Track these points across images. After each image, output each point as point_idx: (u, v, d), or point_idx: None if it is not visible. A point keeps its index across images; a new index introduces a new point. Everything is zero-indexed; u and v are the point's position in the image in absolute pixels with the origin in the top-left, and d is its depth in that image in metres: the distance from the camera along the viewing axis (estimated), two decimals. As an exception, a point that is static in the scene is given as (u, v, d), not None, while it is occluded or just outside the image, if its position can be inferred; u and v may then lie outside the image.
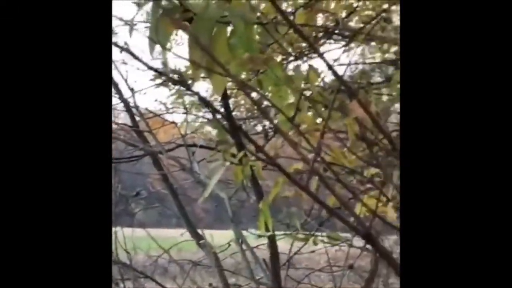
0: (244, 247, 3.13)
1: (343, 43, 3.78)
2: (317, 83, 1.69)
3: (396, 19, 3.55)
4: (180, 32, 1.66)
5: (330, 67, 1.03)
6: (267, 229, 1.55)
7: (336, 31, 3.80)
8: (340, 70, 3.59)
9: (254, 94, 4.22)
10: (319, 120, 1.62)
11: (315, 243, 1.75)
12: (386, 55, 3.37)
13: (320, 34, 3.78)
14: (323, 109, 1.63)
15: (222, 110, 2.37)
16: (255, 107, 3.59)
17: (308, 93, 1.66)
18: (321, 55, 1.11)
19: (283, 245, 3.43)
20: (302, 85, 1.62)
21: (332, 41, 3.91)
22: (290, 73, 1.66)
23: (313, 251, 3.72)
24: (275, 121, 3.01)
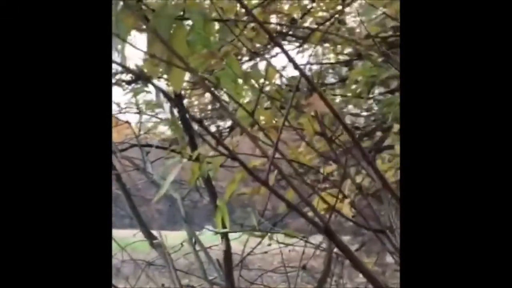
0: (197, 247, 3.12)
1: (297, 44, 3.80)
2: (274, 81, 1.69)
3: (349, 21, 3.58)
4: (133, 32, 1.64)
5: (290, 60, 1.03)
6: (224, 226, 1.54)
7: (290, 32, 3.82)
8: (295, 71, 3.60)
9: (207, 95, 4.20)
10: (277, 117, 1.62)
11: (270, 239, 1.74)
12: (340, 57, 3.40)
13: (275, 35, 3.79)
14: (281, 107, 1.63)
15: (177, 109, 2.36)
16: (209, 107, 3.58)
17: (265, 92, 1.66)
18: (282, 48, 1.11)
19: (236, 245, 3.42)
20: (260, 83, 1.62)
21: (285, 42, 3.92)
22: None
23: (266, 252, 3.71)
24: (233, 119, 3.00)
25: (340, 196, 1.37)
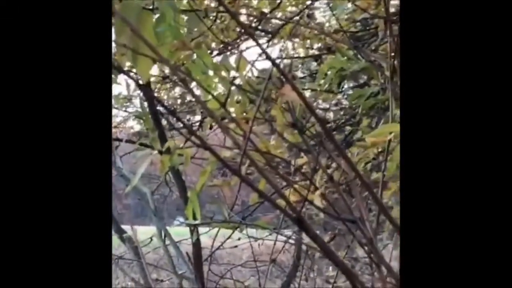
0: (167, 242, 3.11)
1: (266, 39, 3.80)
2: (245, 74, 1.69)
3: (318, 15, 3.59)
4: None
5: (263, 50, 1.03)
6: (195, 219, 1.53)
7: (259, 27, 3.82)
8: (264, 65, 3.60)
9: (176, 89, 4.18)
10: (247, 110, 1.62)
11: (241, 231, 1.74)
12: (310, 51, 3.41)
13: (243, 30, 3.79)
14: (250, 101, 1.63)
15: (147, 102, 2.34)
16: (178, 101, 3.57)
17: (235, 84, 1.66)
18: (254, 39, 1.10)
19: (206, 240, 3.42)
20: (230, 75, 1.62)
21: (255, 37, 3.91)
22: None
23: (236, 246, 3.72)
24: (202, 113, 2.99)
25: (312, 188, 1.37)
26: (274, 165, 1.39)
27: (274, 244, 2.32)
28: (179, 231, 3.65)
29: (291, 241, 3.52)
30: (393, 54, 1.42)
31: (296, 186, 1.50)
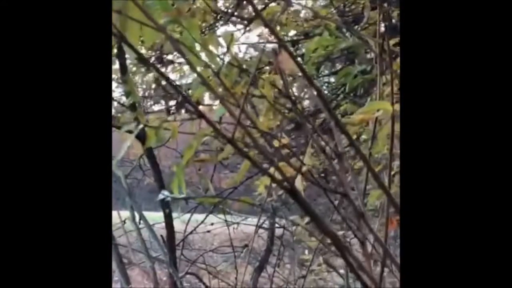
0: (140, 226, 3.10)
1: (241, 26, 3.80)
2: (232, 49, 1.69)
3: (295, 2, 3.59)
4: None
5: (257, 14, 1.03)
6: (180, 193, 1.53)
7: (236, 13, 3.82)
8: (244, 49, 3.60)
9: (151, 75, 4.15)
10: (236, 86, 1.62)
11: (223, 211, 1.75)
12: (287, 38, 3.41)
13: (220, 16, 3.79)
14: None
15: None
16: (154, 85, 3.55)
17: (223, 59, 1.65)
18: (253, 5, 1.10)
19: (178, 225, 3.41)
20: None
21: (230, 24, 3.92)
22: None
23: (208, 231, 3.72)
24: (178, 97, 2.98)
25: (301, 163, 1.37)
26: (266, 138, 1.39)
27: (257, 229, 2.31)
28: (150, 216, 3.63)
29: (264, 226, 3.54)
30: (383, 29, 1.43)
31: (283, 164, 1.51)
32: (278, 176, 1.59)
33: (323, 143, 1.39)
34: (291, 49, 3.65)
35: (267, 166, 1.32)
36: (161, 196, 1.53)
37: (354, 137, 1.84)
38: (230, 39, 1.66)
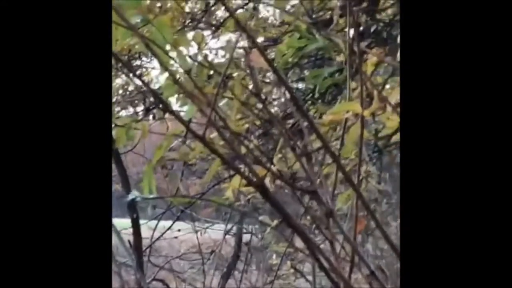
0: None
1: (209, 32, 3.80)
2: (202, 50, 1.70)
3: (262, 9, 3.61)
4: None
5: (231, 15, 1.03)
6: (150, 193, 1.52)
7: (204, 19, 3.82)
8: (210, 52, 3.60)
9: (118, 81, 4.14)
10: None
11: (191, 217, 1.74)
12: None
13: (188, 22, 3.78)
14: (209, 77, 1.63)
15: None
16: (121, 91, 3.53)
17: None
18: (226, 7, 1.11)
19: (145, 232, 3.39)
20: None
21: (199, 30, 3.92)
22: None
23: (175, 237, 3.71)
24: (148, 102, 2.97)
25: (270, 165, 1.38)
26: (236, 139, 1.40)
27: (225, 235, 2.31)
28: (117, 222, 3.61)
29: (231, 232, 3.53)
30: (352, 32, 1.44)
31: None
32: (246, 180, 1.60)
33: (292, 142, 1.40)
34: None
35: (236, 167, 1.32)
36: (131, 196, 1.52)
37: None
38: (201, 39, 1.66)
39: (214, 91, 1.50)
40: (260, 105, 1.87)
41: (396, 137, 2.94)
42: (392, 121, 2.73)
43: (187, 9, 3.79)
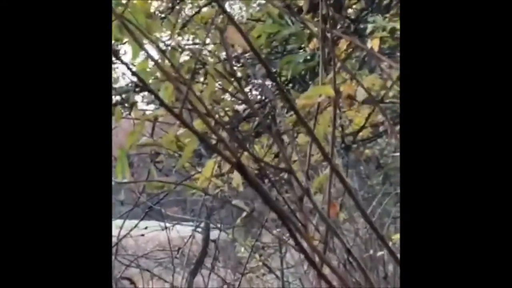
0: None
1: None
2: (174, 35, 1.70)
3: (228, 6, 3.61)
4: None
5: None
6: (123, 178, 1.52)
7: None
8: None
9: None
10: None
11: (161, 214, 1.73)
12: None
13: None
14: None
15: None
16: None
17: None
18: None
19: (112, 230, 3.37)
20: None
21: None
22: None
23: (142, 235, 3.69)
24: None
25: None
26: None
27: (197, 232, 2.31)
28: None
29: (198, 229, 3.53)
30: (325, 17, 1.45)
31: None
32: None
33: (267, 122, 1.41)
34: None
35: (213, 145, 1.33)
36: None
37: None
38: (173, 26, 1.66)
39: (187, 75, 1.51)
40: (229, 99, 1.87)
41: (363, 134, 2.97)
42: (359, 117, 2.76)
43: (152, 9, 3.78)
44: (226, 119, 1.61)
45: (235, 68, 1.61)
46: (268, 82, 1.74)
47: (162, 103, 1.16)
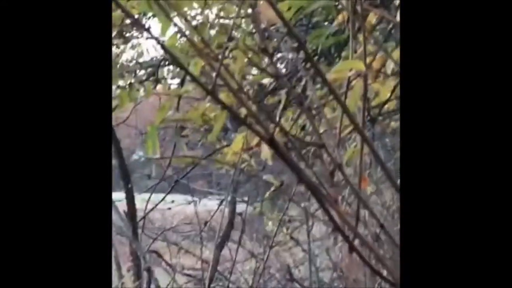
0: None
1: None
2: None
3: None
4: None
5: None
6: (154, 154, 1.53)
7: None
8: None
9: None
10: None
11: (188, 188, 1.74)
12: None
13: None
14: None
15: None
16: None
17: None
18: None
19: (138, 203, 3.39)
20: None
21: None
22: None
23: (169, 208, 3.71)
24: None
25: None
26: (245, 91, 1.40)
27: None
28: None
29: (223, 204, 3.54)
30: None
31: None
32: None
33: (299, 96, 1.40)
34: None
35: (244, 120, 1.32)
36: (135, 157, 1.53)
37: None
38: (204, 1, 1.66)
39: (218, 51, 1.50)
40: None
41: (389, 106, 2.96)
42: (384, 89, 2.74)
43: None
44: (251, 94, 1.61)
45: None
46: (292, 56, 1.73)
47: (193, 79, 1.16)
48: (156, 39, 1.20)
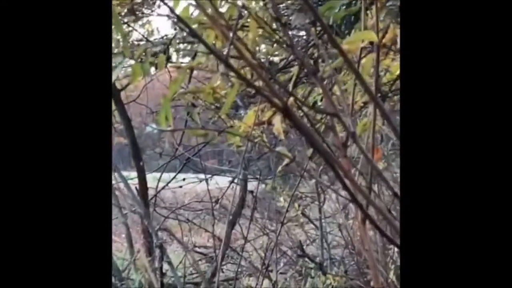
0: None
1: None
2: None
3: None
4: None
5: None
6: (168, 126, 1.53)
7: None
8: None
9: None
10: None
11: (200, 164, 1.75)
12: None
13: None
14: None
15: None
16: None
17: None
18: None
19: (149, 182, 3.41)
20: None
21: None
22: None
23: (180, 186, 3.73)
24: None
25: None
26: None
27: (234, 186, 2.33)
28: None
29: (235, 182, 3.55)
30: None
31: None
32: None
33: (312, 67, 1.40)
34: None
35: (259, 89, 1.33)
36: (148, 129, 1.53)
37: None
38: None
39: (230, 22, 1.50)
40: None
41: (398, 84, 2.96)
42: (394, 66, 2.73)
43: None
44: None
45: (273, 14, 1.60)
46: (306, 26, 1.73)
47: (209, 49, 1.16)
48: (171, 8, 1.20)
